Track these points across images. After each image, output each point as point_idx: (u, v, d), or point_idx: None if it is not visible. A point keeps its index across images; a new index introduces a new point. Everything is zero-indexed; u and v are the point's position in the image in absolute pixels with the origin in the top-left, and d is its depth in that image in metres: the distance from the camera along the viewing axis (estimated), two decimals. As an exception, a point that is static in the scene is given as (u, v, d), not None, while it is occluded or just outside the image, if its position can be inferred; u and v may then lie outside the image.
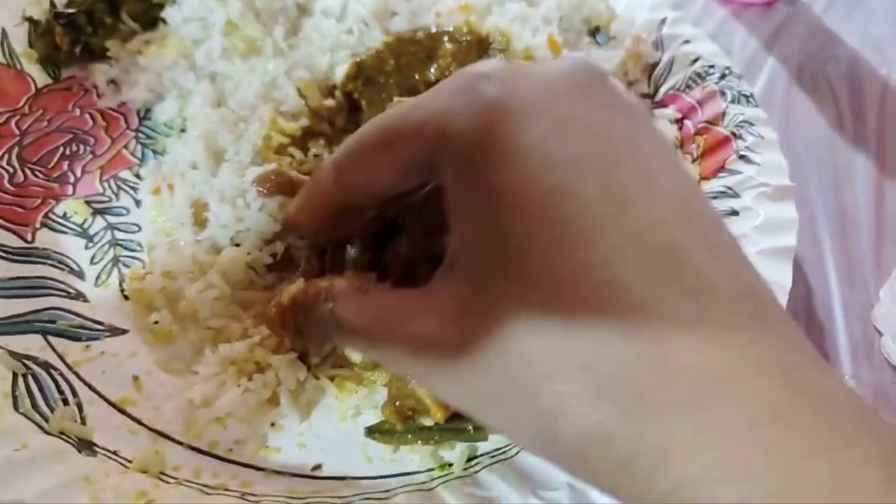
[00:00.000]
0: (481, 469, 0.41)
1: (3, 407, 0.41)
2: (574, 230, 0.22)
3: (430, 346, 0.25)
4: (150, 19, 0.65)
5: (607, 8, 0.72)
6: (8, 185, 0.55)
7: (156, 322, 0.48)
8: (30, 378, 0.43)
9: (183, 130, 0.61)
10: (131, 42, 0.64)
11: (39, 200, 0.55)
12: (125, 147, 0.61)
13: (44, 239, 0.53)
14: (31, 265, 0.51)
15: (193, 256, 0.51)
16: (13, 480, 0.36)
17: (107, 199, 0.57)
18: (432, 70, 0.62)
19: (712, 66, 0.65)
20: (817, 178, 0.66)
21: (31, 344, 0.46)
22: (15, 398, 0.42)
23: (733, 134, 0.59)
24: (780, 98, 0.74)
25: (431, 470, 0.41)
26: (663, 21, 0.71)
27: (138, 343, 0.48)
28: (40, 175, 0.57)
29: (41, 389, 0.43)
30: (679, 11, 0.73)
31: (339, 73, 0.61)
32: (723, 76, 0.64)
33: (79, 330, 0.48)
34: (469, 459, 0.42)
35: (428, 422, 0.39)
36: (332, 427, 0.44)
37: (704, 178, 0.58)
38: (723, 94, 0.63)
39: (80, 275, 0.52)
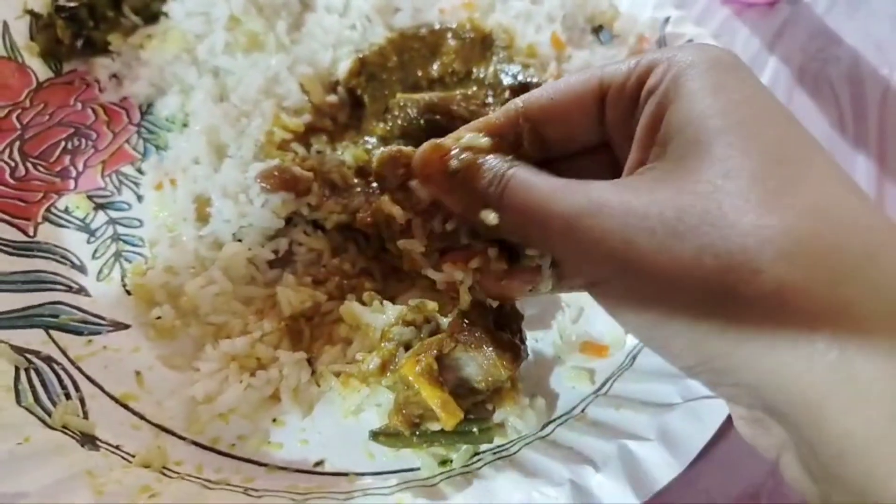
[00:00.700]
0: (483, 465, 0.41)
1: (5, 401, 0.41)
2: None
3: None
4: (152, 13, 0.65)
5: (610, 6, 0.72)
6: (9, 179, 0.55)
7: (158, 317, 0.48)
8: (32, 372, 0.43)
9: (185, 125, 0.61)
10: (133, 36, 0.64)
11: (41, 195, 0.55)
12: (127, 142, 0.61)
13: (46, 233, 0.53)
14: (33, 259, 0.51)
15: (195, 252, 0.51)
16: (16, 474, 0.36)
17: (108, 193, 0.57)
18: (435, 67, 0.62)
19: (715, 66, 0.65)
20: (818, 178, 0.66)
21: (32, 338, 0.46)
22: (17, 392, 0.42)
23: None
24: (782, 98, 0.73)
25: (433, 466, 0.41)
26: (667, 20, 0.71)
27: (140, 338, 0.48)
28: (42, 169, 0.57)
29: (43, 383, 0.43)
30: (682, 10, 0.73)
31: (342, 69, 0.61)
32: (725, 75, 0.64)
33: (81, 324, 0.48)
34: (471, 456, 0.42)
35: (434, 426, 0.39)
36: (335, 423, 0.44)
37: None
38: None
39: (82, 269, 0.52)
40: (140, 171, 0.59)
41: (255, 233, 0.51)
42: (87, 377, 0.45)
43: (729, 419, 0.39)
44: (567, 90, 0.31)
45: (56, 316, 0.48)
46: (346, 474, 0.42)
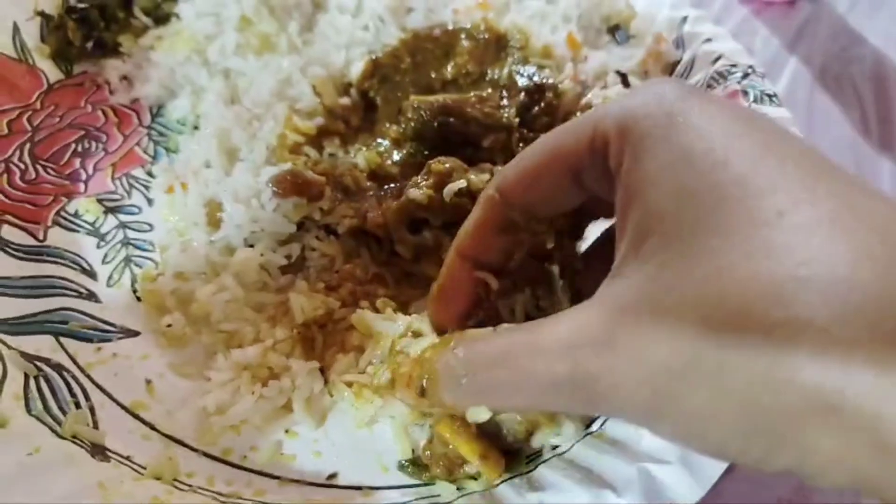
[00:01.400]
0: (500, 483, 0.40)
1: (15, 409, 0.40)
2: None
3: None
4: (163, 14, 0.64)
5: (627, 5, 0.71)
6: (20, 182, 0.54)
7: (168, 325, 0.47)
8: (41, 380, 0.43)
9: (196, 128, 0.60)
10: (144, 37, 0.64)
11: (51, 198, 0.55)
12: (137, 144, 0.60)
13: (55, 237, 0.52)
14: (42, 264, 0.50)
15: (206, 257, 0.50)
16: (27, 486, 0.35)
17: (119, 197, 0.56)
18: (449, 68, 0.61)
19: (734, 66, 0.63)
20: (841, 182, 0.64)
21: (42, 345, 0.45)
22: (27, 400, 0.41)
23: (757, 136, 0.57)
24: (803, 99, 0.73)
25: (452, 490, 0.40)
26: (684, 19, 0.69)
27: (151, 345, 0.47)
28: (52, 172, 0.56)
29: (53, 391, 0.43)
30: (700, 10, 0.72)
31: (355, 71, 0.60)
32: (745, 75, 0.63)
33: (91, 331, 0.47)
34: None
35: (472, 469, 0.38)
36: (348, 434, 0.43)
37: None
38: (745, 93, 0.61)
39: (91, 274, 0.51)
40: (150, 174, 0.58)
41: (267, 238, 0.50)
42: (97, 385, 0.44)
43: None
44: (533, 162, 0.30)
45: (66, 322, 0.47)
46: (359, 488, 0.41)
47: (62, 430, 0.40)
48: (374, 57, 0.60)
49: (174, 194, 0.55)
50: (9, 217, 0.51)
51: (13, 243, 0.50)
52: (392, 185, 0.54)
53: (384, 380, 0.39)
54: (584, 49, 0.65)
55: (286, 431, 0.43)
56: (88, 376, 0.45)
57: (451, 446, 0.37)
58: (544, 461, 0.40)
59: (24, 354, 0.44)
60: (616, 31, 0.71)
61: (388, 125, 0.58)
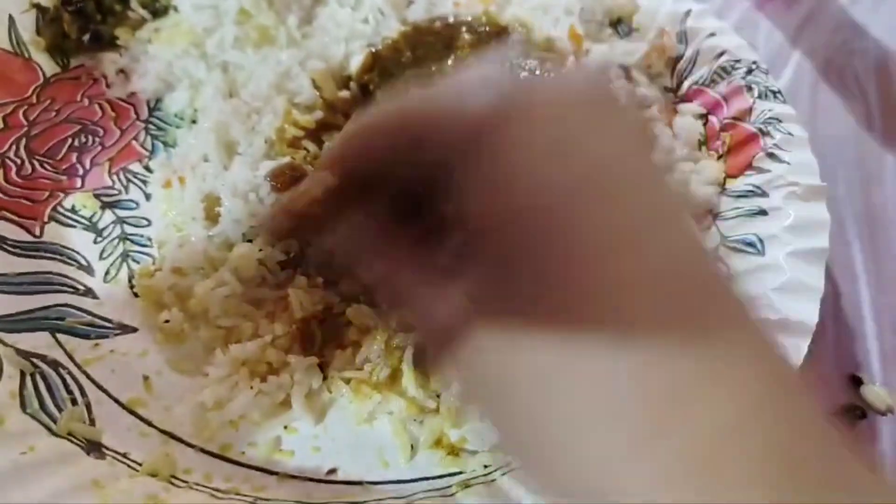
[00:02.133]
0: (502, 474, 0.40)
1: (10, 407, 0.40)
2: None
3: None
4: (161, 7, 0.64)
5: (629, -1, 0.70)
6: (15, 178, 0.54)
7: (166, 321, 0.46)
8: (38, 377, 0.42)
9: (194, 122, 0.59)
10: (141, 30, 0.63)
11: (47, 193, 0.54)
12: (135, 138, 0.60)
13: (52, 233, 0.52)
14: (39, 260, 0.50)
15: (205, 252, 0.49)
16: (20, 485, 0.35)
17: (116, 192, 0.56)
18: (450, 61, 0.61)
19: (738, 61, 0.63)
20: (845, 178, 0.63)
21: (38, 342, 0.44)
22: (23, 398, 0.41)
23: (761, 131, 0.57)
24: (807, 93, 0.72)
25: (451, 475, 0.40)
26: (687, 13, 0.68)
27: (148, 341, 0.47)
28: (48, 167, 0.56)
29: (49, 389, 0.42)
30: (702, 3, 0.71)
31: (355, 64, 0.59)
32: (749, 71, 0.62)
33: (87, 327, 0.47)
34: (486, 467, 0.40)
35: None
36: (348, 430, 0.43)
37: (730, 175, 0.57)
38: (749, 89, 0.61)
39: (88, 270, 0.50)
40: (148, 168, 0.58)
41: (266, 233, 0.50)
42: (94, 382, 0.44)
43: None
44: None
45: (62, 319, 0.46)
46: (360, 483, 0.41)
47: (58, 427, 0.40)
48: (374, 50, 0.60)
49: (172, 189, 0.55)
50: (5, 213, 0.51)
51: (9, 239, 0.50)
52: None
53: (383, 376, 0.39)
54: (586, 42, 0.64)
55: (285, 427, 0.43)
56: (85, 373, 0.44)
57: None
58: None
59: (20, 351, 0.43)
60: (618, 24, 0.70)
61: (387, 119, 0.58)
